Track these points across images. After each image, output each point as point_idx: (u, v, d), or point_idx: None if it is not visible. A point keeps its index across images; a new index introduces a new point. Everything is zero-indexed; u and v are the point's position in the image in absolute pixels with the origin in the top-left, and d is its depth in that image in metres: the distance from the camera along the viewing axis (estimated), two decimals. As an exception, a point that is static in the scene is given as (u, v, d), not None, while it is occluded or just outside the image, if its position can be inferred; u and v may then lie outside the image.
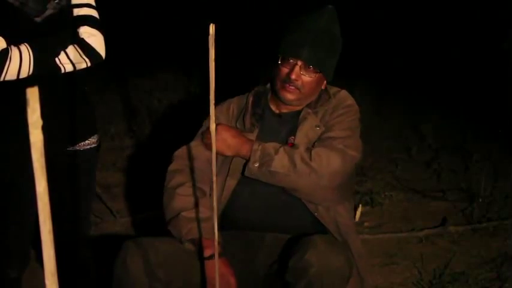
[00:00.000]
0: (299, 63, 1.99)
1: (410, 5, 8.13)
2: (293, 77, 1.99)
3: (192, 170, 2.05)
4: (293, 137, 2.03)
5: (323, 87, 2.09)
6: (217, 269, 1.43)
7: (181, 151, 2.11)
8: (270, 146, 1.95)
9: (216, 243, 1.21)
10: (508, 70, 5.45)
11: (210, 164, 2.06)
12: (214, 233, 1.30)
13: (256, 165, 1.91)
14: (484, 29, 7.15)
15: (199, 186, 2.02)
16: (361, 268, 2.00)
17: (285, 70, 2.01)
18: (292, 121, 2.08)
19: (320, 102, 2.07)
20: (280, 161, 1.91)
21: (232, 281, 1.82)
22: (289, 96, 2.02)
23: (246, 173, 1.96)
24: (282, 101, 2.07)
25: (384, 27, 7.94)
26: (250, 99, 2.13)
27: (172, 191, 2.00)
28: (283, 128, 2.08)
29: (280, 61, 2.02)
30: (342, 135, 2.00)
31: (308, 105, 2.07)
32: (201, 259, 1.87)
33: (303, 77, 2.00)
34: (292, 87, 2.00)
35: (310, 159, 1.91)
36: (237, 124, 2.09)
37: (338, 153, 1.94)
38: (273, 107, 2.12)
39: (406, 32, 7.79)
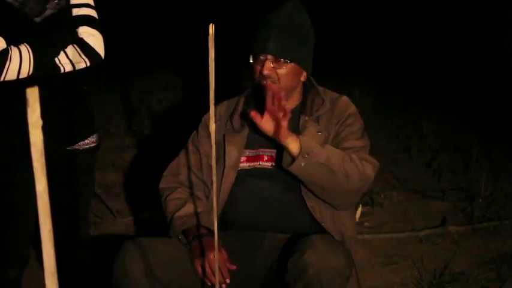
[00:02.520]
0: (269, 57, 1.96)
1: (411, 4, 8.12)
2: (265, 72, 1.94)
3: (180, 181, 2.10)
4: None
5: (302, 79, 2.05)
6: (217, 259, 1.43)
7: (168, 170, 2.15)
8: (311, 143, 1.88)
9: (216, 237, 1.21)
10: (508, 70, 5.45)
11: (198, 170, 2.08)
12: (214, 233, 1.30)
13: (306, 156, 1.82)
14: (484, 29, 7.15)
15: (190, 191, 2.07)
16: (361, 278, 1.99)
17: (258, 68, 1.98)
18: None
19: (315, 107, 2.04)
20: (331, 155, 1.87)
21: (223, 255, 1.83)
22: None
23: (290, 165, 1.85)
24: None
25: (384, 26, 7.94)
26: (242, 99, 2.12)
27: (164, 201, 2.08)
28: None
29: (252, 60, 2.00)
30: (362, 145, 2.01)
31: (303, 112, 2.04)
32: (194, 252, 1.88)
33: (277, 70, 1.96)
34: (270, 83, 1.95)
35: (352, 161, 1.90)
36: (226, 125, 2.08)
37: (368, 162, 1.95)
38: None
39: (406, 32, 7.78)
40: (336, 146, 1.97)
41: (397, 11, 8.10)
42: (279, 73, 1.97)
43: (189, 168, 2.10)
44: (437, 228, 3.36)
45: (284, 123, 1.78)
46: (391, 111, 5.89)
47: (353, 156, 1.92)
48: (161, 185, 2.13)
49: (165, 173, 2.15)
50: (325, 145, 1.90)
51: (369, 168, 1.94)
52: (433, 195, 3.89)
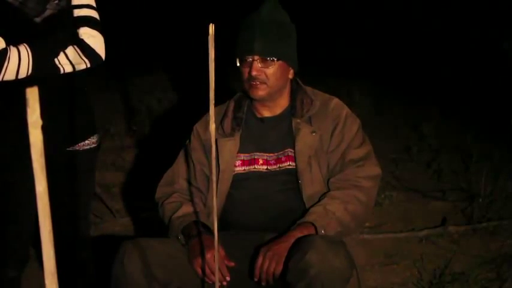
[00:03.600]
0: (255, 58, 1.96)
1: (411, 4, 8.13)
2: (254, 73, 1.96)
3: (175, 190, 2.11)
4: (291, 150, 2.01)
5: (290, 76, 2.06)
6: (217, 260, 1.43)
7: (163, 180, 2.17)
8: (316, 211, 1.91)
9: (216, 237, 1.21)
10: (508, 70, 5.44)
11: (193, 178, 2.10)
12: (213, 232, 1.30)
13: (323, 231, 1.85)
14: (484, 29, 7.15)
15: (186, 197, 2.08)
16: (362, 280, 1.99)
17: (246, 70, 1.98)
18: (278, 128, 2.06)
19: (305, 108, 2.04)
20: (338, 217, 1.91)
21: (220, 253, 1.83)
22: (260, 93, 1.99)
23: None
24: (256, 100, 2.04)
25: (384, 26, 7.94)
26: (232, 104, 2.12)
27: (161, 206, 2.09)
28: (267, 134, 2.06)
29: (239, 63, 2.01)
30: (365, 152, 2.01)
31: (294, 115, 2.04)
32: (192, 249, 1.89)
33: (264, 70, 1.97)
34: (258, 83, 1.97)
35: (358, 198, 1.95)
36: (217, 131, 2.07)
37: (368, 179, 1.98)
38: (255, 112, 2.10)
39: (407, 32, 7.78)
40: (342, 160, 1.99)
41: (398, 11, 8.11)
42: (267, 73, 1.98)
43: (183, 177, 2.12)
44: (437, 228, 3.36)
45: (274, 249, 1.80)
46: (391, 111, 5.89)
47: (354, 192, 1.94)
48: (157, 195, 2.14)
49: (160, 183, 2.16)
50: (328, 211, 1.90)
51: (368, 185, 1.97)
52: (433, 195, 3.89)
